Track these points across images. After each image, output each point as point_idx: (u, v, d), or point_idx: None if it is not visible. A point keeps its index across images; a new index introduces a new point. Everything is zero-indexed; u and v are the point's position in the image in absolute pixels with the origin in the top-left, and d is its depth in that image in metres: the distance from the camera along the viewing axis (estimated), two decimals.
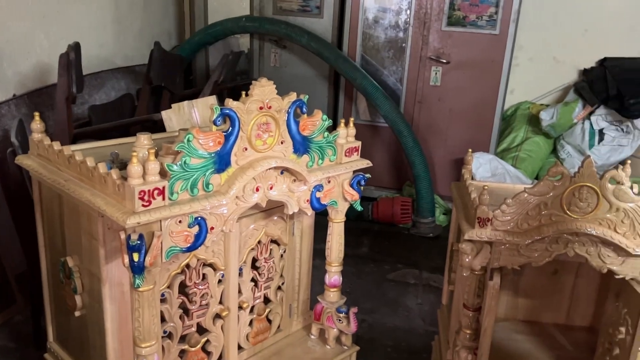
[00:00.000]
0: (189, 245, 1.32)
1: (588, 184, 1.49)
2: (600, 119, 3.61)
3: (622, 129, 3.54)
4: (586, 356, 1.84)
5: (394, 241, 3.63)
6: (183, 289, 1.55)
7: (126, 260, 1.20)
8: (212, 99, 2.15)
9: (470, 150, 1.98)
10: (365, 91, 3.71)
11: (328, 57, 3.78)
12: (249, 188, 1.42)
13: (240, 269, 1.66)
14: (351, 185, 1.65)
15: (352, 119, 1.70)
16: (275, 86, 1.42)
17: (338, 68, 3.83)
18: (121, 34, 3.88)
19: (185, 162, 1.27)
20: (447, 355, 1.91)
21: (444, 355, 1.95)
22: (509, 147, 3.98)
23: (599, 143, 3.57)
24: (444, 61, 3.80)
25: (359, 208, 1.72)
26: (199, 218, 1.32)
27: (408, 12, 3.80)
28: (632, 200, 1.47)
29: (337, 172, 1.62)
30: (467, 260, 1.59)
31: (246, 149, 1.41)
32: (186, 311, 1.57)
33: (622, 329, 1.59)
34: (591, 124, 3.62)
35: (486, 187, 1.56)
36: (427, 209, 3.68)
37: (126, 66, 3.88)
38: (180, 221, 1.28)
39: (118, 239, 1.22)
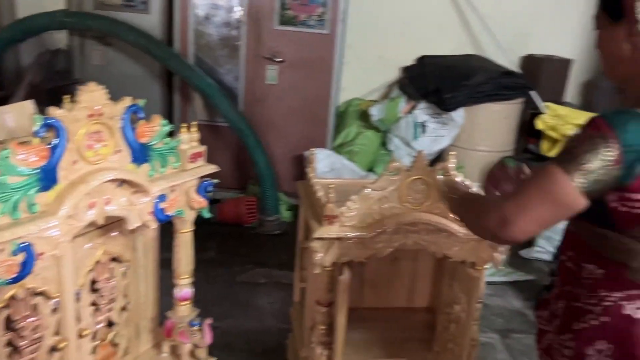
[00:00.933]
0: (14, 275, 1.16)
1: (421, 177, 1.61)
2: (422, 112, 3.93)
3: (441, 121, 3.91)
4: (428, 334, 2.00)
5: (241, 242, 3.59)
6: (9, 323, 1.36)
7: None
8: (29, 105, 1.91)
9: (312, 149, 2.02)
10: (202, 91, 3.61)
11: (159, 56, 3.60)
12: (83, 205, 1.29)
13: (78, 294, 1.50)
14: (198, 192, 1.58)
15: (195, 122, 1.63)
16: (106, 91, 1.31)
17: (171, 67, 3.67)
18: None
19: (2, 182, 1.11)
20: (302, 353, 1.94)
21: (299, 353, 1.98)
22: (343, 142, 4.16)
23: (422, 135, 3.90)
24: (279, 60, 3.84)
25: (208, 215, 1.66)
26: (25, 244, 1.16)
27: (240, 9, 3.76)
28: None
29: (182, 180, 1.54)
30: (318, 257, 1.62)
31: (76, 162, 1.28)
32: (15, 349, 1.38)
33: (457, 307, 1.76)
34: (414, 118, 3.94)
35: (332, 186, 1.60)
36: (272, 207, 3.71)
37: None
38: (1, 250, 1.12)
39: None
